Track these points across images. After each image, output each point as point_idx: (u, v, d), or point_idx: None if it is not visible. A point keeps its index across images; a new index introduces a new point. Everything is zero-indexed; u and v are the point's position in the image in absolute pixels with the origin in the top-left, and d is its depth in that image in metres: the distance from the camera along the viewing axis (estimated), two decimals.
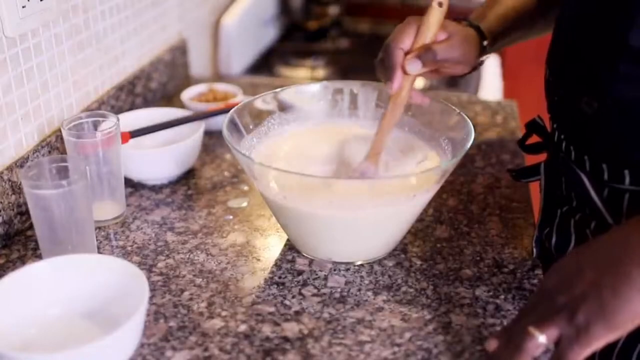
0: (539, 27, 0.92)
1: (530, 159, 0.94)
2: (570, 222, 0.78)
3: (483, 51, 0.84)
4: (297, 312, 0.74)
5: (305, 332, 0.71)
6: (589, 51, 0.71)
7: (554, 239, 0.80)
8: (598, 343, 0.56)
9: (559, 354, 0.57)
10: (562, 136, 0.77)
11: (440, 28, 0.78)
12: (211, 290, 0.77)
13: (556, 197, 0.81)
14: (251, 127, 0.87)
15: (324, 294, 0.77)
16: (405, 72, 0.78)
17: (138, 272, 0.69)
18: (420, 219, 0.89)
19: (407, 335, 0.71)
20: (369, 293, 0.77)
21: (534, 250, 0.82)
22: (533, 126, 0.86)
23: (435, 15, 0.77)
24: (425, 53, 0.76)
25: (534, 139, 0.87)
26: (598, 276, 0.57)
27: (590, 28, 0.71)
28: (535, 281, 0.79)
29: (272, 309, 0.74)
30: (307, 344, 0.69)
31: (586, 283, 0.57)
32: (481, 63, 0.86)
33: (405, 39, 0.78)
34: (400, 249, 0.84)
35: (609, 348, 0.73)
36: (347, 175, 0.82)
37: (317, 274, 0.80)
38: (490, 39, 0.85)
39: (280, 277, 0.79)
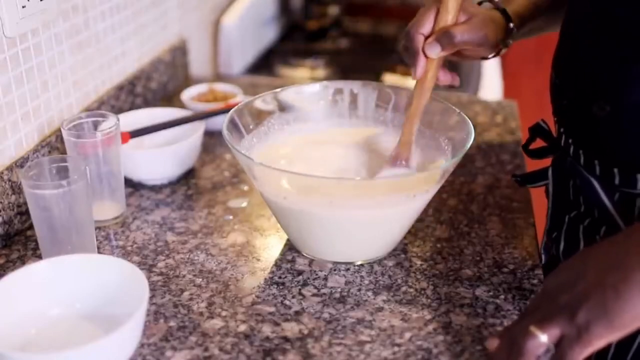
0: None
1: (531, 162, 0.94)
2: (579, 228, 0.78)
3: (510, 34, 0.82)
4: (297, 312, 0.74)
5: (305, 332, 0.71)
6: (601, 53, 0.70)
7: (562, 245, 0.80)
8: (599, 343, 0.56)
9: (560, 354, 0.57)
10: (570, 140, 0.76)
11: (460, 10, 0.77)
12: (211, 290, 0.77)
13: (564, 202, 0.80)
14: (251, 127, 0.87)
15: (324, 294, 0.77)
16: (426, 56, 0.77)
17: (138, 272, 0.69)
18: (420, 219, 0.89)
19: (407, 335, 0.71)
20: (369, 293, 0.77)
21: (542, 257, 0.82)
22: (537, 130, 0.85)
23: None
24: (443, 36, 0.76)
25: (538, 143, 0.87)
26: (601, 277, 0.57)
27: (601, 29, 0.70)
28: (535, 281, 0.79)
29: (272, 309, 0.74)
30: (307, 344, 0.69)
31: (589, 283, 0.57)
32: (507, 45, 0.83)
33: (426, 24, 0.78)
34: (400, 249, 0.84)
35: (604, 349, 0.73)
36: (378, 169, 0.82)
37: (317, 274, 0.80)
38: (518, 21, 0.83)
39: (280, 277, 0.79)
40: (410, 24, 0.79)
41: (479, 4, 0.84)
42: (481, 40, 0.78)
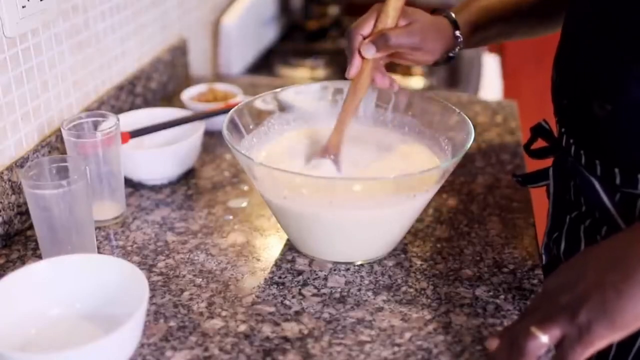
0: (531, 26, 0.91)
1: (531, 163, 0.94)
2: (579, 228, 0.78)
3: (457, 42, 0.85)
4: (297, 312, 0.74)
5: (305, 332, 0.71)
6: (602, 53, 0.70)
7: (563, 245, 0.80)
8: (600, 343, 0.56)
9: (561, 354, 0.57)
10: (571, 140, 0.77)
11: (401, 15, 0.80)
12: (211, 290, 0.77)
13: (565, 203, 0.80)
14: (251, 127, 0.87)
15: (324, 294, 0.77)
16: (361, 57, 0.79)
17: (138, 272, 0.69)
18: (420, 219, 0.89)
19: (407, 335, 0.71)
20: (369, 293, 0.77)
21: (543, 257, 0.82)
22: (538, 130, 0.86)
23: (393, 2, 0.79)
24: (379, 38, 0.78)
25: (539, 143, 0.87)
26: (601, 276, 0.56)
27: (601, 29, 0.70)
28: (535, 281, 0.79)
29: (272, 309, 0.74)
30: (307, 344, 0.69)
31: (589, 282, 0.57)
32: (454, 53, 0.86)
33: (365, 25, 0.80)
34: (400, 249, 0.84)
35: (605, 350, 0.73)
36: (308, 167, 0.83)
37: (317, 274, 0.80)
38: (468, 30, 0.85)
39: (280, 277, 0.79)
40: (352, 24, 0.81)
41: (432, 12, 0.85)
42: (417, 44, 0.80)
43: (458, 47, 0.85)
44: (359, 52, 0.79)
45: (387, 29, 0.79)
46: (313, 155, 0.84)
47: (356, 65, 0.80)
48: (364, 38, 0.80)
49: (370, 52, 0.79)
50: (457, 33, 0.84)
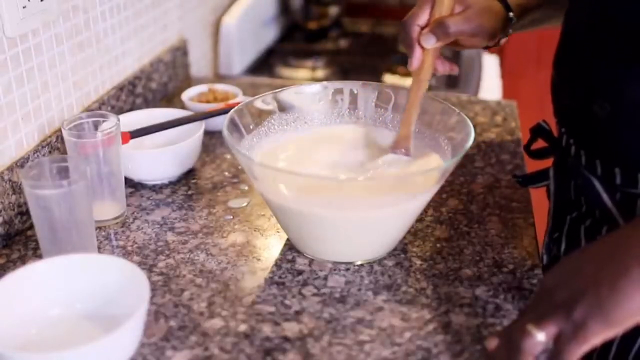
0: None
1: (531, 163, 0.94)
2: (580, 228, 0.78)
3: (509, 24, 0.83)
4: (297, 312, 0.74)
5: (305, 331, 0.71)
6: (601, 53, 0.70)
7: (563, 245, 0.80)
8: (595, 339, 0.55)
9: (557, 351, 0.57)
10: (571, 140, 0.77)
11: (456, 1, 0.78)
12: (211, 290, 0.77)
13: (565, 203, 0.80)
14: (251, 127, 0.87)
15: (324, 293, 0.77)
16: (422, 47, 0.79)
17: (139, 271, 0.69)
18: (420, 219, 0.89)
19: (407, 335, 0.71)
20: (369, 293, 0.77)
21: (544, 257, 0.82)
22: (538, 131, 0.85)
23: None
24: (438, 27, 0.77)
25: (539, 143, 0.87)
26: (597, 272, 0.56)
27: (601, 29, 0.70)
28: (534, 281, 0.79)
29: (272, 309, 0.74)
30: (307, 343, 0.70)
31: (585, 279, 0.57)
32: (507, 35, 0.84)
33: (421, 15, 0.79)
34: (400, 249, 0.84)
35: (605, 349, 0.73)
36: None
37: (317, 274, 0.80)
38: (518, 11, 0.84)
39: (280, 277, 0.79)
40: (407, 15, 0.80)
41: None
42: (475, 30, 0.79)
43: (510, 30, 0.84)
44: (419, 43, 0.78)
45: (444, 17, 0.78)
46: (381, 151, 0.84)
47: (417, 57, 0.79)
48: (422, 28, 0.78)
49: (430, 42, 0.78)
50: (510, 15, 0.83)
